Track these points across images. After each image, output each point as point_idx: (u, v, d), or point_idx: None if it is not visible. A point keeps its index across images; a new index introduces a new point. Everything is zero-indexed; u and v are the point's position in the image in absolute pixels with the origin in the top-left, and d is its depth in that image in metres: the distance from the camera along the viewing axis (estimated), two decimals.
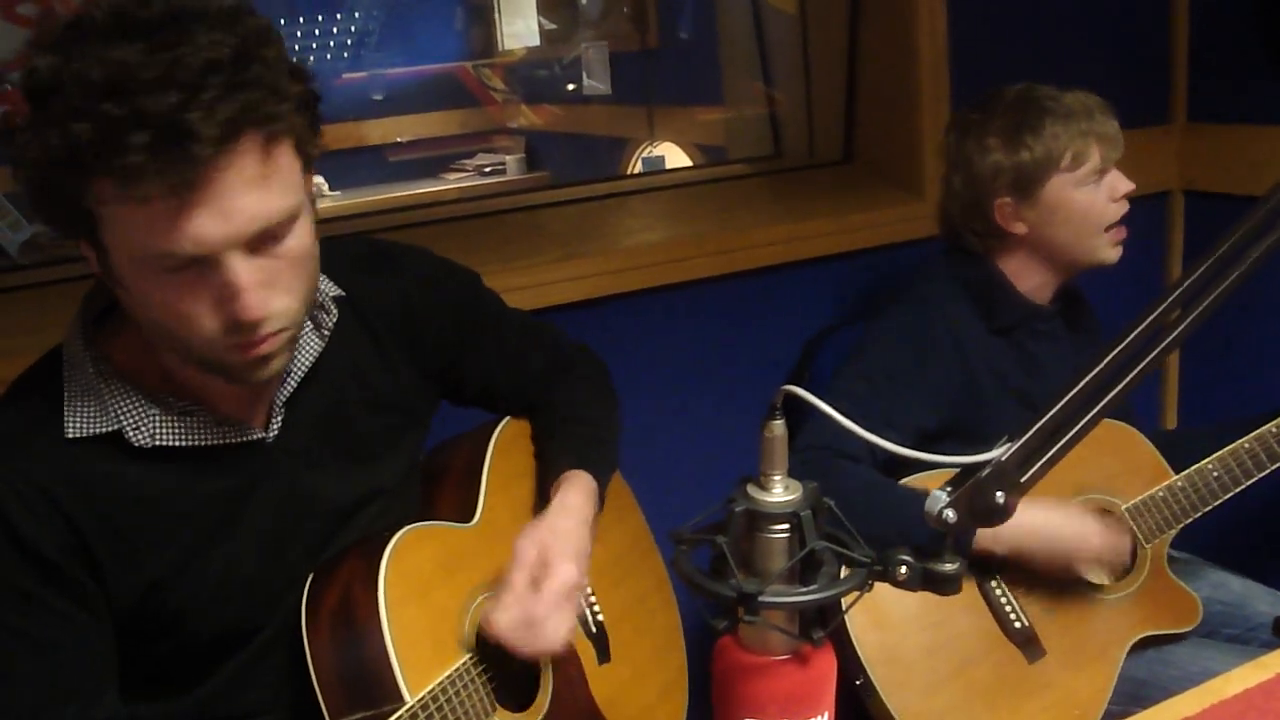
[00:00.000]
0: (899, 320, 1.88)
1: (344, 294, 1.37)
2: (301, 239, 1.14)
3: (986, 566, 1.77)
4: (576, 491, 1.49)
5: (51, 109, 1.01)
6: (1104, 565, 1.79)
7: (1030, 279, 1.93)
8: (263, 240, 1.10)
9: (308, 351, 1.32)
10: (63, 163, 1.02)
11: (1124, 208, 1.89)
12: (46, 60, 1.02)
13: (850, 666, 1.68)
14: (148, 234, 1.05)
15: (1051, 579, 1.78)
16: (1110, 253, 1.90)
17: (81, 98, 0.99)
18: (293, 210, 1.11)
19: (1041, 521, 1.74)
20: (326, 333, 1.33)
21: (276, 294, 1.13)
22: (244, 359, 1.14)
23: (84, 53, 1.01)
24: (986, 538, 1.70)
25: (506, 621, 1.32)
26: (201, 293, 1.09)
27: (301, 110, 1.12)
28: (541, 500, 1.52)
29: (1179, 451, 1.91)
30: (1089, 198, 1.86)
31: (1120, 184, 1.88)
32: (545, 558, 1.37)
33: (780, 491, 0.87)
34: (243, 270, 1.08)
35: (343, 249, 1.41)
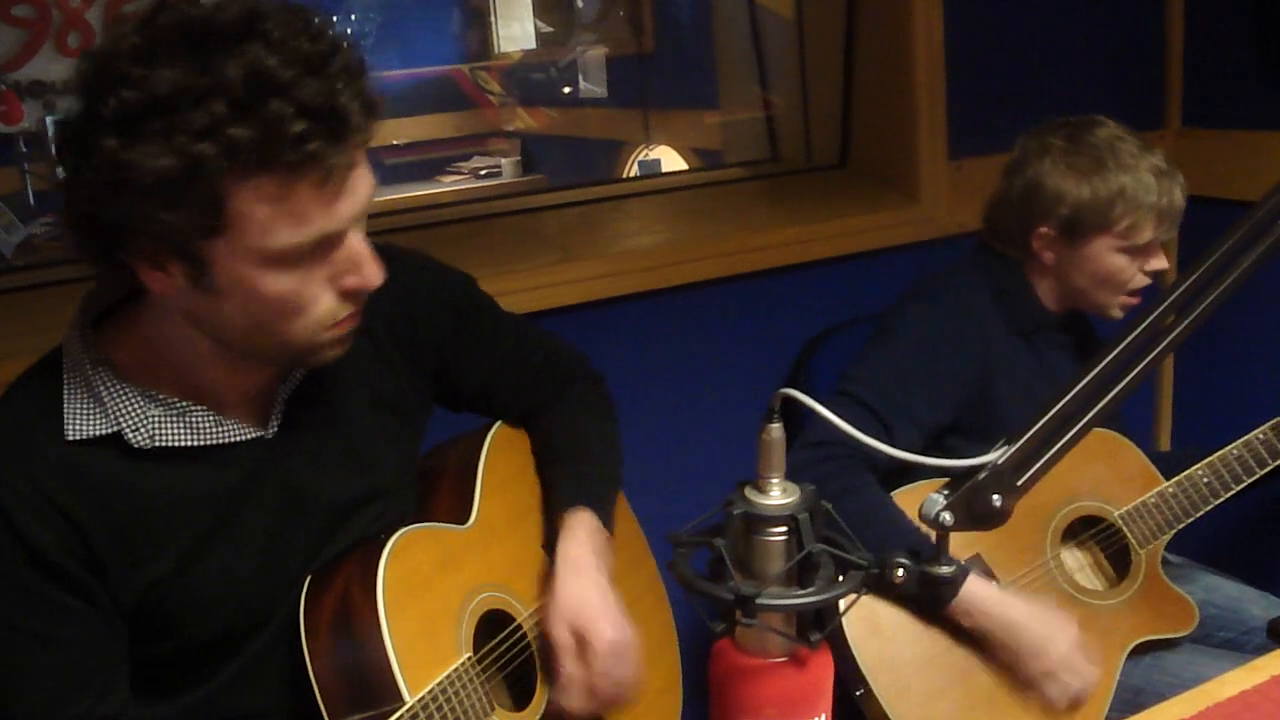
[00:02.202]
0: (927, 313, 1.90)
1: None
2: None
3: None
4: (577, 538, 1.49)
5: (186, 121, 1.01)
6: (1061, 680, 1.67)
7: (1046, 291, 1.97)
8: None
9: None
10: (202, 174, 1.02)
11: (1147, 282, 1.91)
12: (163, 74, 1.01)
13: (850, 677, 1.68)
14: (293, 224, 1.08)
15: (1006, 674, 1.72)
16: (1116, 313, 1.93)
17: (233, 103, 1.01)
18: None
19: (1020, 614, 1.69)
20: None
21: None
22: (338, 335, 1.20)
23: (206, 61, 1.02)
24: (966, 606, 1.67)
25: (575, 705, 1.38)
26: (319, 273, 1.14)
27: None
28: (545, 529, 1.53)
29: (1173, 472, 1.92)
30: (1123, 264, 1.88)
31: (1156, 262, 1.90)
32: (580, 634, 1.40)
33: (778, 494, 0.88)
34: (362, 241, 1.15)
35: None
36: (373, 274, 1.16)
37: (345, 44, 1.11)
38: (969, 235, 2.05)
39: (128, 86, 1.02)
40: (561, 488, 1.55)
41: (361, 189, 1.12)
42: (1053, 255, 1.90)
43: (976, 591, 1.68)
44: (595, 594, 1.43)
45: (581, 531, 1.49)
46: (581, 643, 1.39)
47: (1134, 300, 1.92)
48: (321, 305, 1.16)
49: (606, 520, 1.54)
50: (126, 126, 1.02)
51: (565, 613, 1.41)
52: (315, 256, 1.12)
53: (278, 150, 1.03)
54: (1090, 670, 1.69)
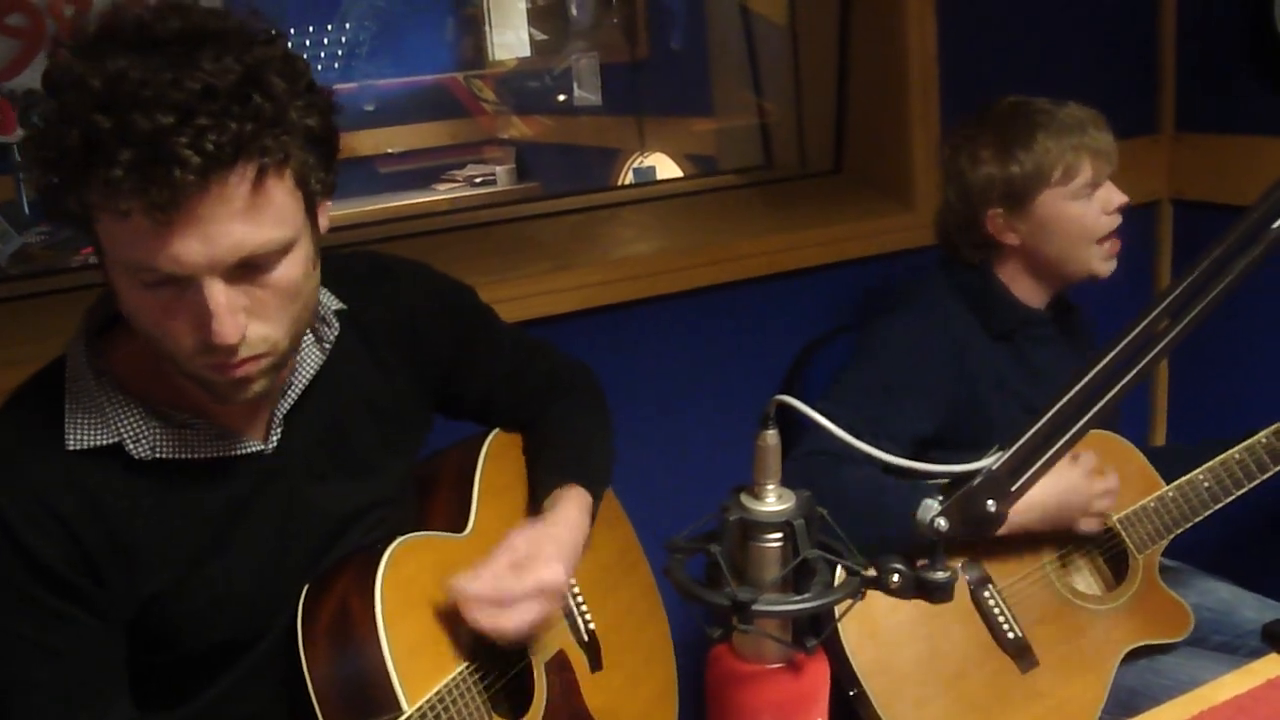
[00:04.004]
0: (898, 327, 1.90)
1: (345, 307, 1.37)
2: (291, 271, 1.13)
3: (984, 579, 1.78)
4: (573, 506, 1.49)
5: (55, 110, 1.02)
6: (1098, 514, 1.80)
7: (1025, 288, 1.95)
8: (245, 269, 1.09)
9: (308, 364, 1.32)
10: (55, 164, 1.03)
11: (1116, 220, 1.90)
12: (64, 60, 1.03)
13: (844, 677, 1.68)
14: (128, 246, 1.05)
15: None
16: (1103, 265, 1.91)
17: (78, 104, 1.00)
18: (283, 243, 1.10)
19: (1034, 495, 1.74)
20: (328, 346, 1.34)
21: (256, 322, 1.12)
22: (222, 379, 1.14)
23: (94, 59, 1.01)
24: None
25: (474, 591, 1.32)
26: (179, 310, 1.09)
27: (311, 144, 1.12)
28: (533, 512, 1.52)
29: (1164, 468, 1.92)
30: (1081, 211, 1.87)
31: (1114, 197, 1.89)
32: (534, 551, 1.38)
33: (773, 501, 0.88)
34: (220, 295, 1.07)
35: (344, 263, 1.42)
36: (216, 333, 1.08)
37: (275, 87, 1.05)
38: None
39: (48, 65, 1.05)
40: (553, 466, 1.56)
41: (222, 240, 1.05)
42: (1014, 234, 1.90)
43: None
44: (570, 546, 1.43)
45: (573, 503, 1.50)
46: (528, 559, 1.36)
47: (1115, 247, 1.91)
48: (183, 342, 1.11)
49: (594, 508, 1.55)
50: (41, 100, 1.04)
51: (536, 533, 1.41)
52: (168, 291, 1.08)
53: (92, 165, 1.00)
54: (1109, 482, 1.81)
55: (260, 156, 1.05)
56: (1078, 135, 1.86)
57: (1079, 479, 1.78)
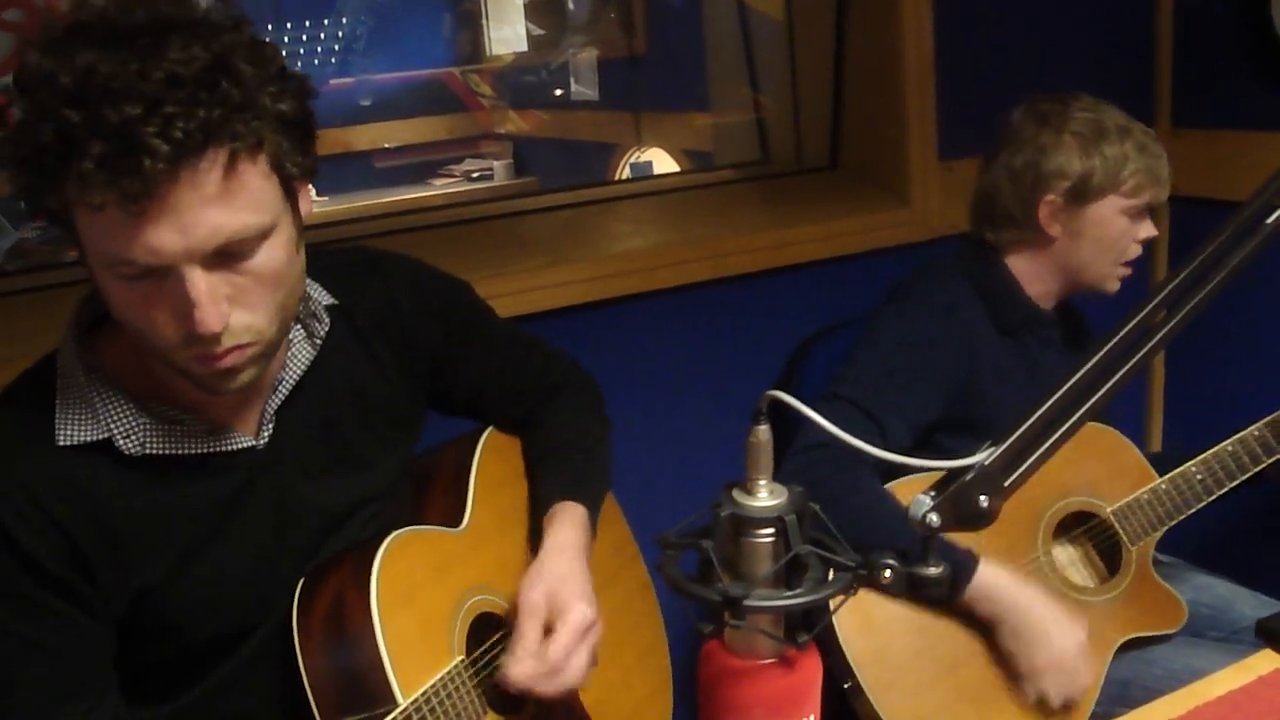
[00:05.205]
0: (909, 313, 1.91)
1: (336, 302, 1.37)
2: (272, 257, 1.12)
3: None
4: (568, 526, 1.49)
5: (27, 108, 1.02)
6: (1060, 676, 1.70)
7: (1036, 283, 1.96)
8: (225, 256, 1.08)
9: (300, 359, 1.32)
10: (30, 162, 1.03)
11: (1139, 251, 1.93)
12: (34, 59, 1.03)
13: (839, 669, 1.68)
14: (106, 239, 1.05)
15: (1000, 666, 1.75)
16: (1113, 284, 1.94)
17: (49, 101, 1.00)
18: (260, 228, 1.10)
19: (1035, 603, 1.71)
20: (319, 341, 1.33)
21: (239, 310, 1.12)
22: (208, 370, 1.14)
23: (62, 56, 1.01)
24: (982, 591, 1.69)
25: (525, 673, 1.33)
26: (160, 302, 1.09)
27: (285, 128, 1.11)
28: (534, 526, 1.52)
29: (1166, 472, 1.92)
30: (1125, 228, 1.90)
31: (1146, 230, 1.92)
32: (555, 603, 1.38)
33: (765, 496, 0.87)
34: (201, 283, 1.07)
35: (335, 257, 1.42)
36: (199, 322, 1.07)
37: (243, 72, 1.05)
38: (960, 236, 2.05)
39: (19, 64, 1.04)
40: (552, 480, 1.56)
41: (198, 228, 1.04)
42: (1059, 226, 1.90)
43: (992, 577, 1.70)
44: (581, 575, 1.43)
45: (568, 521, 1.50)
46: (553, 611, 1.37)
47: (1128, 271, 1.93)
48: (167, 335, 1.10)
49: (593, 517, 1.55)
50: (13, 96, 1.04)
51: (545, 580, 1.40)
52: (149, 284, 1.08)
53: (65, 160, 1.00)
54: (1088, 674, 1.71)
55: (231, 141, 1.05)
56: (1154, 159, 1.88)
57: (1088, 669, 1.71)
